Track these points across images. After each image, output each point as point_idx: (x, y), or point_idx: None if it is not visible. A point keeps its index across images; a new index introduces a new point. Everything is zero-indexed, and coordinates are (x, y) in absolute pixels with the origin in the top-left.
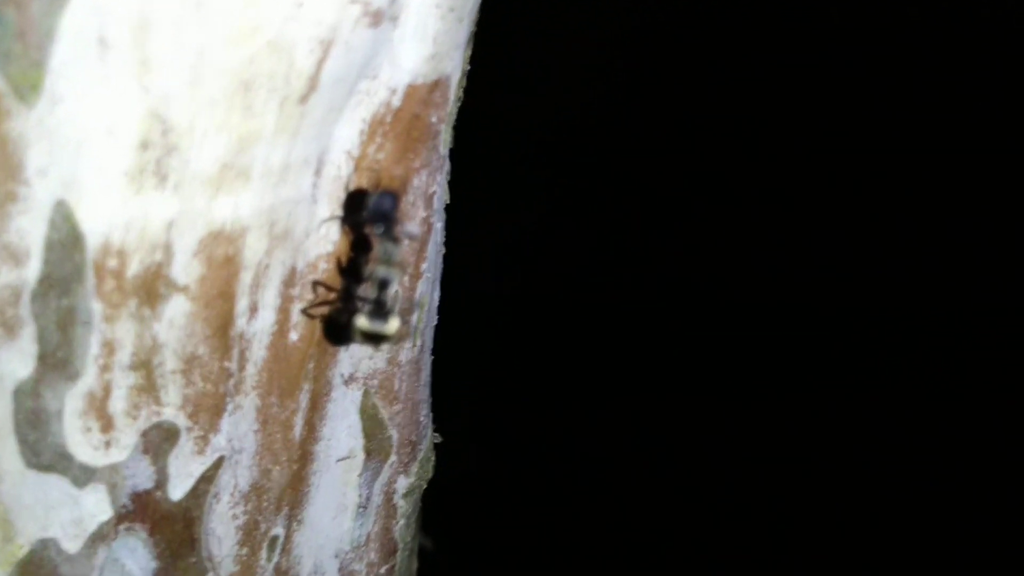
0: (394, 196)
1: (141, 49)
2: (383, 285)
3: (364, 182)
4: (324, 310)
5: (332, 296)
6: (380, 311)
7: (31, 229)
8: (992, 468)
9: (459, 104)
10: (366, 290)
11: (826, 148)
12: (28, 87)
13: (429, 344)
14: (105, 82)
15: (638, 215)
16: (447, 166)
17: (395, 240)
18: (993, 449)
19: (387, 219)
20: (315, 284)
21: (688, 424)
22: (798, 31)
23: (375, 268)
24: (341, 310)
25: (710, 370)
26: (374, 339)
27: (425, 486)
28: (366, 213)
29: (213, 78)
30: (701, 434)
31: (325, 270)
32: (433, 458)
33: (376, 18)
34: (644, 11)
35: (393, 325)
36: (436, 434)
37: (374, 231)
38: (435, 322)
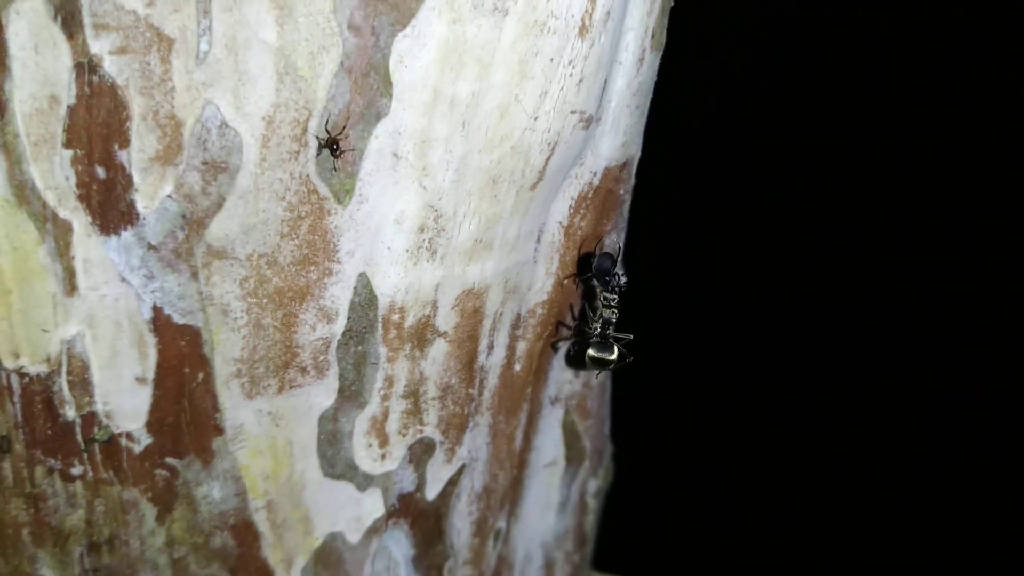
0: (612, 257)
1: (423, 159)
2: (607, 324)
3: (571, 246)
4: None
5: (568, 333)
6: (605, 343)
7: (340, 295)
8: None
9: None
10: (594, 328)
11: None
12: (344, 192)
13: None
14: (396, 185)
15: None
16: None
17: (615, 289)
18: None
19: (608, 274)
20: (558, 324)
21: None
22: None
23: (600, 311)
24: (575, 343)
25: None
26: (600, 364)
27: (607, 488)
28: (592, 271)
29: (472, 176)
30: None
31: (541, 315)
32: (612, 466)
33: (588, 122)
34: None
35: (615, 353)
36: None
37: (599, 284)
38: None
